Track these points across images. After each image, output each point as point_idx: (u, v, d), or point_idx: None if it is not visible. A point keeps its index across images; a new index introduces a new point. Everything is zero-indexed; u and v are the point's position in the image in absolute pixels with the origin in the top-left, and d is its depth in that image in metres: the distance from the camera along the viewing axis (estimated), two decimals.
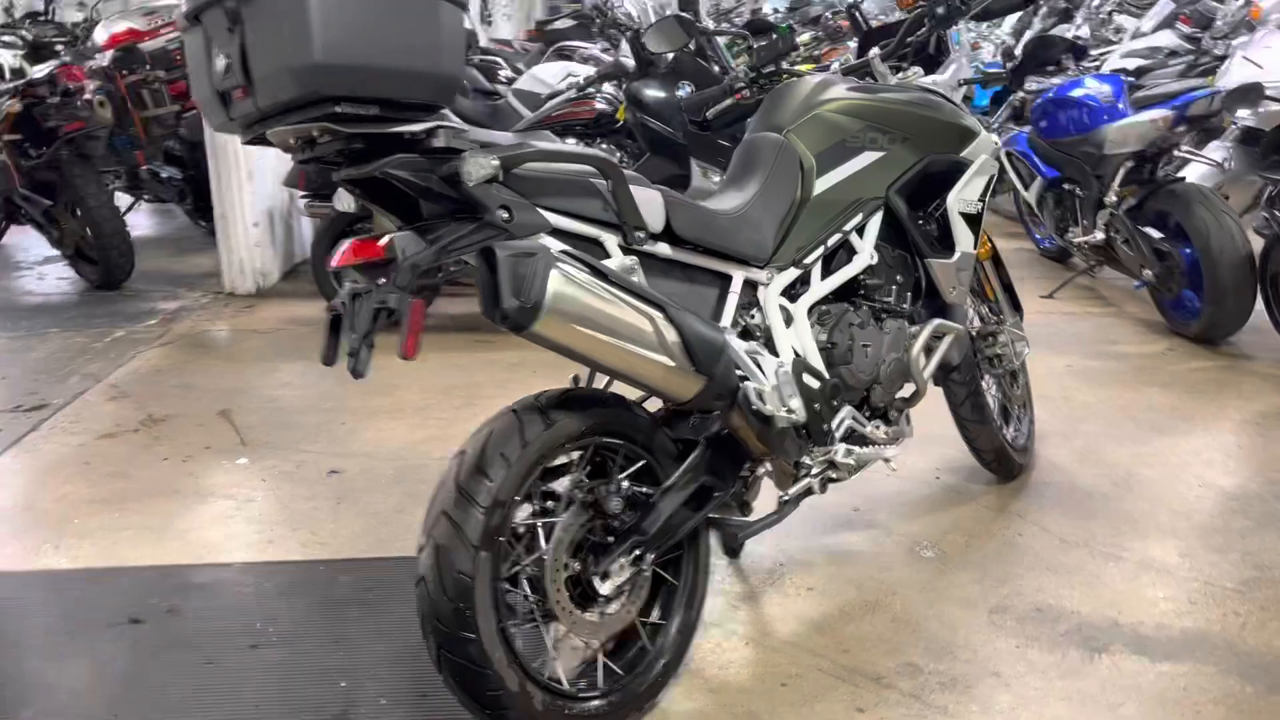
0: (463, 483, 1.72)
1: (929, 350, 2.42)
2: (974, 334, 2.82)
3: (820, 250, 2.22)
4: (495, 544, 1.72)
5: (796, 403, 1.99)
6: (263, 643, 2.25)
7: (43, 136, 5.00)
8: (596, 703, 1.89)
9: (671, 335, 1.79)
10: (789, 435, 2.05)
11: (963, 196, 2.44)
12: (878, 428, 2.33)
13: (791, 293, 2.20)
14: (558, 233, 1.75)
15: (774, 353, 2.11)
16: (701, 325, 1.84)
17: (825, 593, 2.43)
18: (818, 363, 2.18)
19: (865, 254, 2.30)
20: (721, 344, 1.87)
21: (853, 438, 2.26)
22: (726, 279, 2.06)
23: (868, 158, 2.30)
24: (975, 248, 2.51)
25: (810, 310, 2.22)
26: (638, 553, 1.88)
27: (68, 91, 4.97)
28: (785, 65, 2.73)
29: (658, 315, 1.77)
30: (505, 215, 1.66)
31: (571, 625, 1.85)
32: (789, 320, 2.16)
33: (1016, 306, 2.89)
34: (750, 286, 2.12)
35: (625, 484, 1.89)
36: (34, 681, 2.14)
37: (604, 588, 1.84)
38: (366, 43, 1.47)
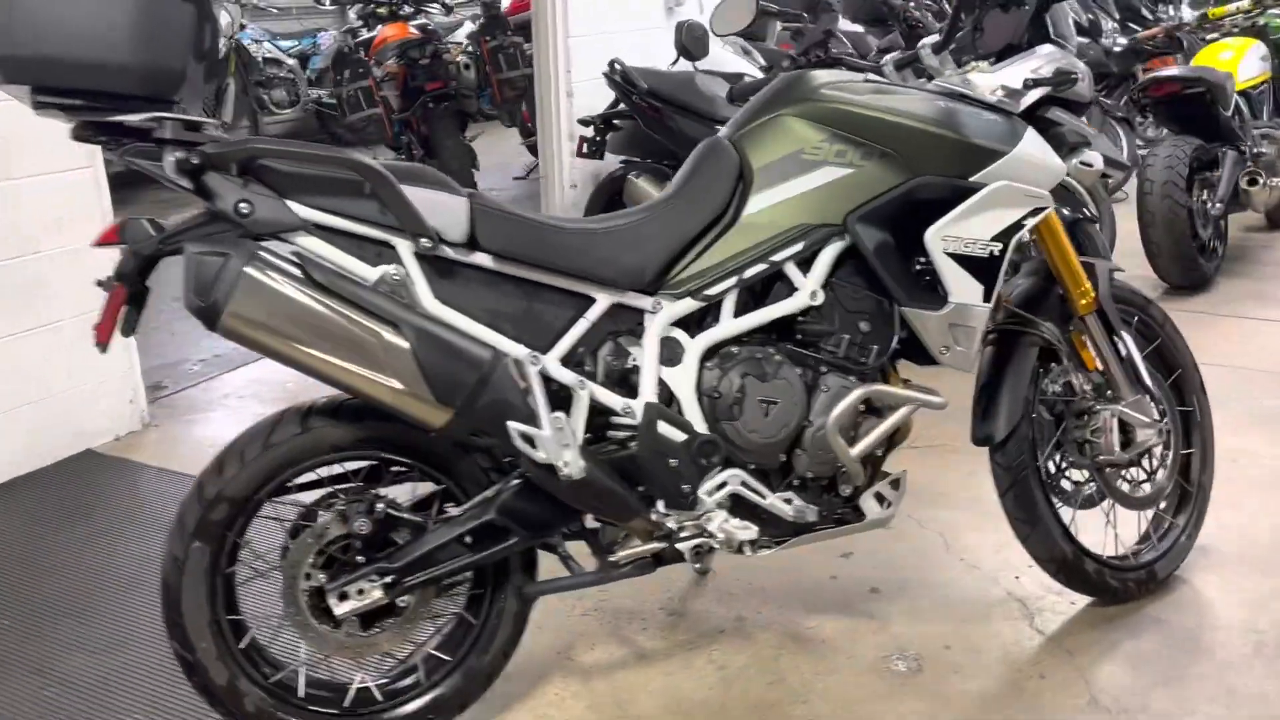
0: (201, 473, 1.74)
1: (867, 422, 1.92)
2: (1054, 411, 2.18)
3: (732, 281, 1.85)
4: (216, 538, 1.72)
5: (570, 454, 1.71)
6: None
7: (410, 94, 5.70)
8: None
9: (403, 357, 1.63)
10: (600, 491, 1.77)
11: (955, 233, 1.87)
12: (789, 501, 1.91)
13: (694, 327, 1.88)
14: (342, 234, 1.69)
15: (633, 392, 1.83)
16: (445, 351, 1.65)
17: (731, 679, 2.07)
18: (691, 412, 1.85)
19: (805, 292, 1.88)
20: (474, 374, 1.66)
21: (743, 507, 1.89)
22: (587, 301, 1.82)
23: (826, 175, 1.86)
24: (990, 299, 1.92)
25: (714, 350, 1.87)
26: (388, 580, 1.76)
27: (436, 54, 5.59)
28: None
29: (386, 332, 1.62)
30: (246, 209, 1.62)
31: (310, 639, 1.79)
32: (673, 358, 1.85)
33: (1144, 385, 2.15)
34: (628, 313, 1.84)
35: (380, 505, 1.77)
36: None
37: (339, 608, 1.75)
38: (64, 36, 1.52)
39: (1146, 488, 2.25)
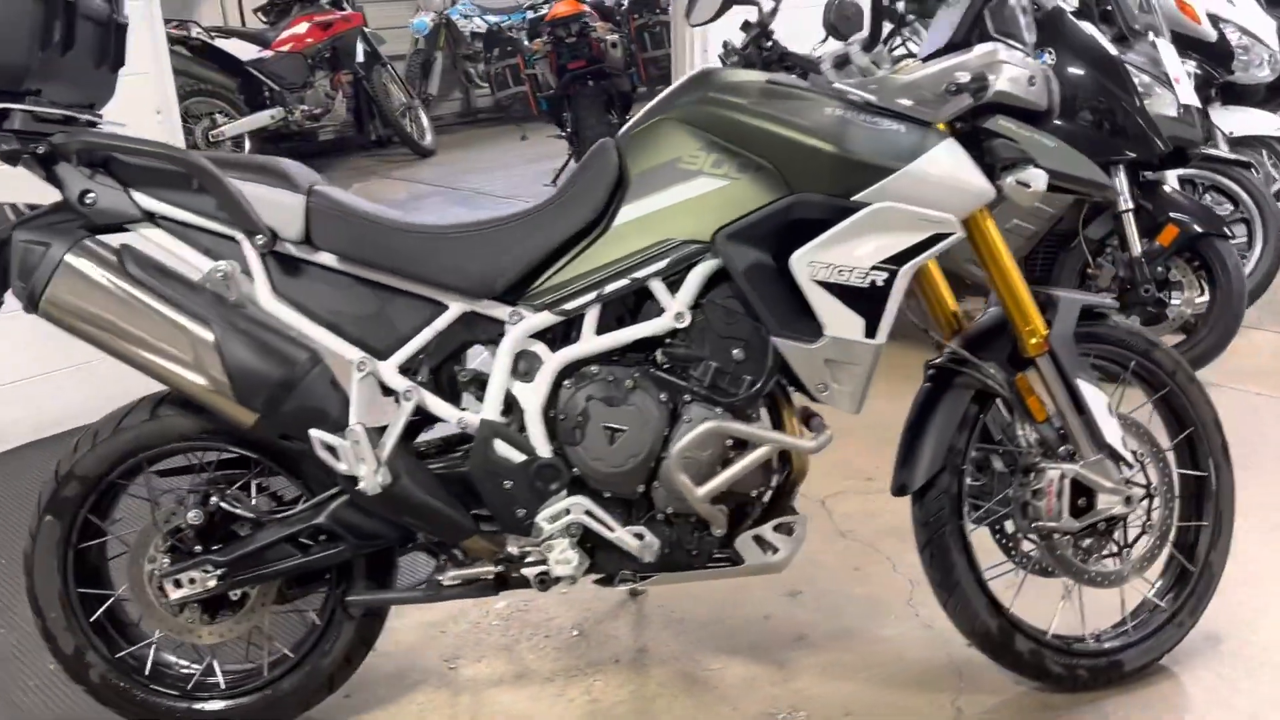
0: (64, 454, 1.82)
1: (718, 459, 1.73)
2: (1000, 465, 1.90)
3: (591, 296, 1.73)
4: (68, 513, 1.79)
5: (367, 467, 1.64)
6: None
7: (560, 72, 5.72)
8: (171, 702, 1.87)
9: (211, 356, 1.63)
10: (416, 507, 1.71)
11: (825, 259, 1.64)
12: (639, 537, 1.77)
13: (558, 342, 1.77)
14: (191, 227, 1.72)
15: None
16: (253, 351, 1.63)
17: (598, 714, 1.95)
18: (535, 433, 1.74)
19: (670, 314, 1.72)
20: (279, 377, 1.63)
21: (592, 537, 1.77)
22: (439, 308, 1.76)
23: (699, 187, 1.69)
24: (876, 335, 1.68)
25: (573, 369, 1.76)
26: (220, 572, 1.77)
27: (583, 32, 5.58)
28: None
29: (195, 329, 1.62)
30: (90, 200, 1.67)
31: (151, 618, 1.84)
32: (529, 373, 1.75)
33: (1104, 443, 1.83)
34: (486, 322, 1.76)
35: (214, 498, 1.78)
36: None
37: (173, 593, 1.78)
38: None
39: (1112, 564, 1.92)
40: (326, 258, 1.73)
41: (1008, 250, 1.82)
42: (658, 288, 1.73)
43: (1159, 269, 3.24)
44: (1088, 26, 3.26)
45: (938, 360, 1.89)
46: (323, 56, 7.58)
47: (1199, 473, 2.00)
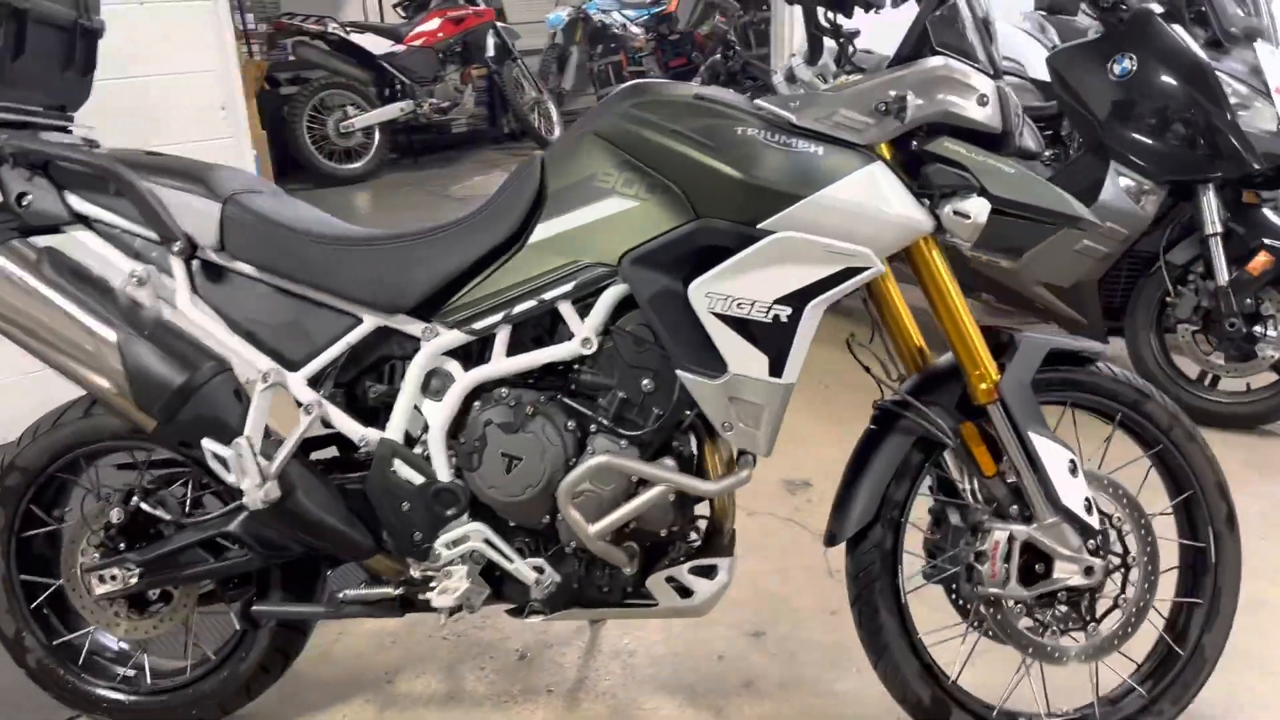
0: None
1: (620, 496, 1.63)
2: (957, 519, 1.72)
3: (500, 316, 1.66)
4: (10, 503, 1.86)
5: (251, 481, 1.62)
6: None
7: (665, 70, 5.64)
8: (100, 691, 1.92)
9: (113, 359, 1.65)
10: (308, 523, 1.69)
11: (723, 289, 1.52)
12: (539, 570, 1.70)
13: (472, 361, 1.72)
14: (120, 230, 1.75)
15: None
16: (155, 357, 1.65)
17: None
18: (437, 455, 1.69)
19: (577, 339, 1.64)
20: (178, 384, 1.64)
21: (495, 565, 1.71)
22: (355, 321, 1.73)
23: (610, 207, 1.60)
24: (783, 374, 1.54)
25: (482, 390, 1.70)
26: (139, 571, 1.80)
27: (685, 30, 5.49)
28: None
29: (102, 332, 1.65)
30: (26, 201, 1.73)
31: (84, 609, 1.88)
32: (439, 392, 1.71)
33: (1059, 504, 1.63)
34: (402, 338, 1.73)
35: (135, 498, 1.81)
36: None
37: (97, 588, 1.82)
38: None
39: (1075, 638, 1.71)
40: (244, 266, 1.72)
41: (954, 284, 1.65)
42: (567, 311, 1.64)
43: (1248, 301, 2.91)
44: (1178, 30, 2.95)
45: (883, 401, 1.74)
46: (454, 51, 7.75)
47: (1197, 543, 1.76)
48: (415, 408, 1.72)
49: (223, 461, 1.65)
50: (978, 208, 1.52)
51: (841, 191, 1.49)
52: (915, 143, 1.57)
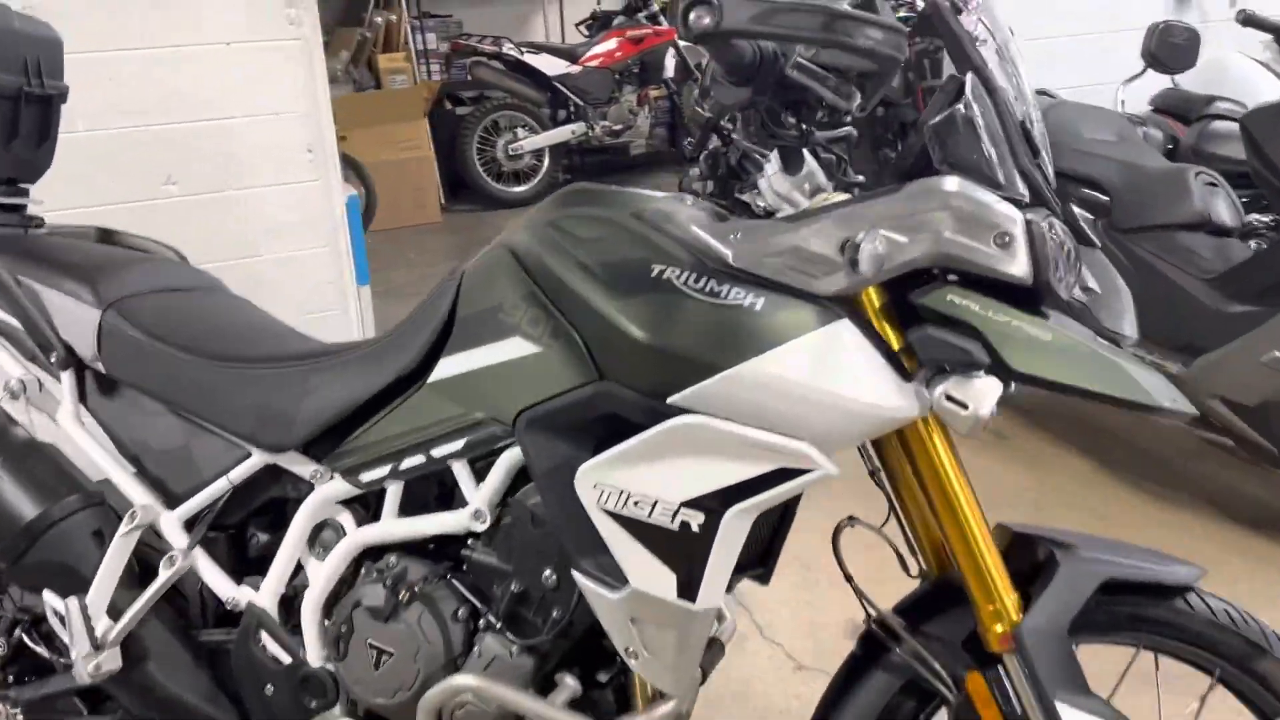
0: None
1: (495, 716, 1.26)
2: None
3: (387, 470, 1.35)
4: None
5: (83, 645, 1.37)
6: None
7: None
8: None
9: None
10: (151, 698, 1.43)
11: (614, 481, 1.13)
12: None
13: (368, 515, 1.42)
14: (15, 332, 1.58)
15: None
16: (8, 488, 1.44)
17: None
18: (309, 630, 1.40)
19: (468, 510, 1.30)
20: (22, 523, 1.43)
21: None
22: (243, 454, 1.47)
23: (511, 349, 1.25)
24: (697, 599, 1.13)
25: (370, 554, 1.40)
26: (17, 711, 1.61)
27: None
28: None
29: None
30: None
31: None
32: (325, 551, 1.42)
33: None
34: (293, 479, 1.46)
35: (18, 630, 1.61)
36: None
37: None
38: None
39: None
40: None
41: (961, 479, 1.19)
42: (461, 473, 1.31)
43: None
44: None
45: (872, 622, 1.30)
46: (631, 71, 7.52)
47: None
48: (301, 565, 1.43)
49: (59, 615, 1.42)
50: (981, 393, 1.07)
51: (776, 364, 1.08)
52: (910, 293, 1.13)
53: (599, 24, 7.78)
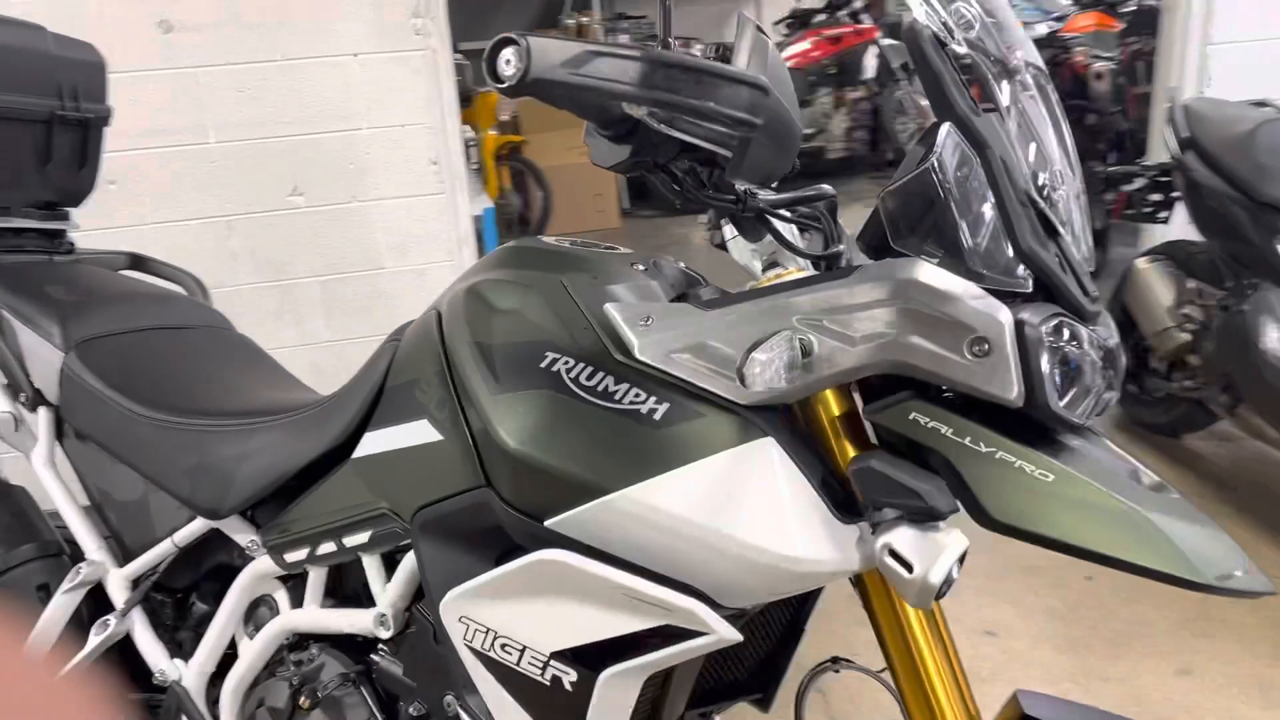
0: None
1: None
2: None
3: (305, 553, 1.21)
4: None
5: None
6: None
7: None
8: None
9: None
10: None
11: (483, 618, 0.92)
12: None
13: (297, 594, 1.29)
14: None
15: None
16: None
17: None
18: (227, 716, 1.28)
19: (374, 611, 1.14)
20: None
21: None
22: (190, 515, 1.38)
23: (418, 433, 1.07)
24: None
25: (296, 641, 1.27)
26: None
27: (1057, 59, 4.50)
28: None
29: None
30: None
31: None
32: (257, 629, 1.30)
33: None
34: (235, 545, 1.35)
35: None
36: None
37: None
38: None
39: None
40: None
41: (930, 641, 0.91)
42: (371, 568, 1.15)
43: None
44: None
45: None
46: (827, 73, 7.19)
47: None
48: (235, 640, 1.31)
49: None
50: (932, 551, 0.80)
51: (665, 493, 0.84)
52: (867, 406, 0.87)
53: (798, 22, 7.49)
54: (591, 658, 0.89)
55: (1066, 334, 0.82)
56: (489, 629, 0.94)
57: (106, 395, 1.37)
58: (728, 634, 0.84)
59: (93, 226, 1.90)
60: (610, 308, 0.94)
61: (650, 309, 0.92)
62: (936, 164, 0.83)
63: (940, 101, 0.84)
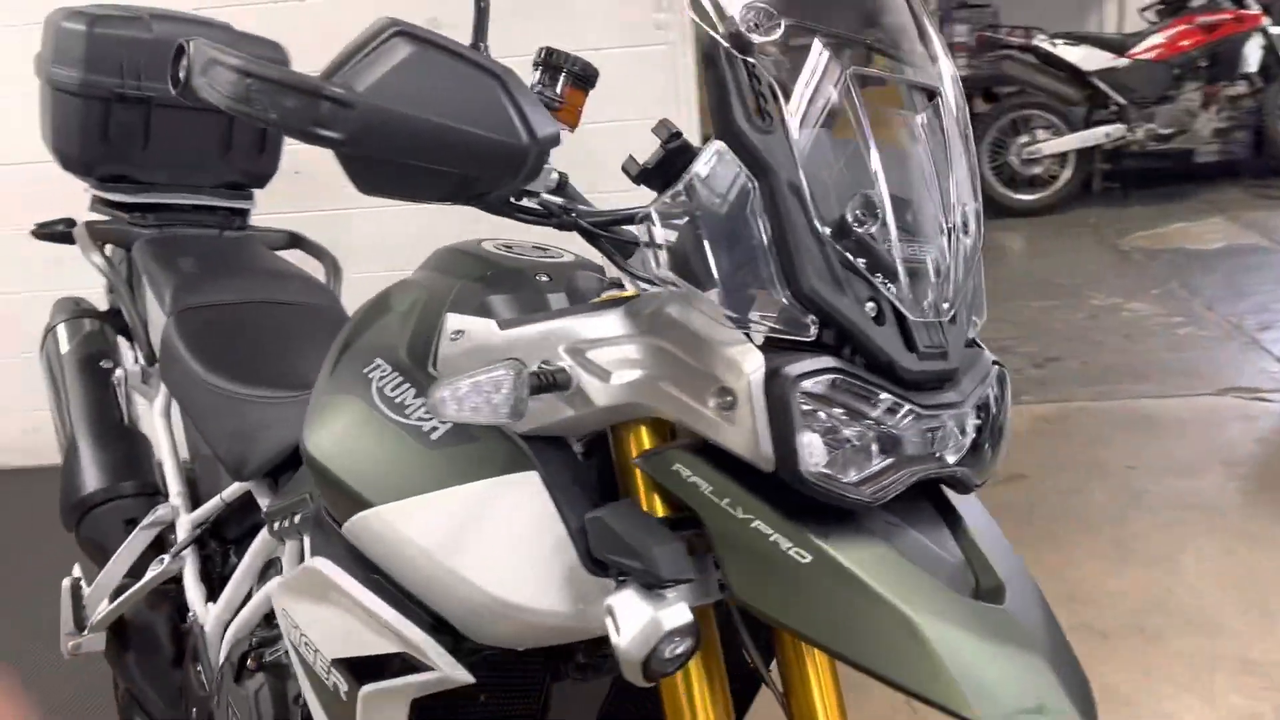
0: None
1: None
2: None
3: (279, 524, 1.30)
4: None
5: (69, 624, 1.47)
6: None
7: None
8: None
9: (62, 455, 1.67)
10: (130, 679, 1.51)
11: (295, 614, 0.92)
12: None
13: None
14: None
15: None
16: (85, 463, 1.64)
17: None
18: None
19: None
20: (75, 498, 1.60)
21: None
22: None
23: None
24: None
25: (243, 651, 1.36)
26: None
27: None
28: None
29: (62, 425, 1.68)
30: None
31: None
32: (263, 584, 1.42)
33: None
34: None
35: None
36: None
37: None
38: None
39: None
40: None
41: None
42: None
43: None
44: None
45: None
46: (1195, 65, 6.35)
47: None
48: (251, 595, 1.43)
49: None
50: (639, 621, 0.71)
51: (404, 516, 0.82)
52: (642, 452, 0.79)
53: (1170, 8, 6.67)
54: (358, 670, 0.88)
55: (844, 395, 0.69)
56: (296, 624, 0.96)
57: (182, 357, 1.53)
58: (454, 674, 0.80)
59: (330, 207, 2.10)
60: (448, 317, 0.91)
61: (471, 324, 0.89)
62: (685, 187, 0.72)
63: (721, 116, 0.74)
